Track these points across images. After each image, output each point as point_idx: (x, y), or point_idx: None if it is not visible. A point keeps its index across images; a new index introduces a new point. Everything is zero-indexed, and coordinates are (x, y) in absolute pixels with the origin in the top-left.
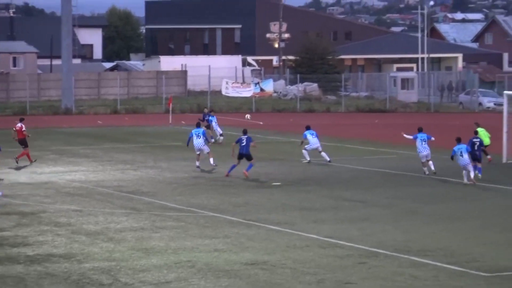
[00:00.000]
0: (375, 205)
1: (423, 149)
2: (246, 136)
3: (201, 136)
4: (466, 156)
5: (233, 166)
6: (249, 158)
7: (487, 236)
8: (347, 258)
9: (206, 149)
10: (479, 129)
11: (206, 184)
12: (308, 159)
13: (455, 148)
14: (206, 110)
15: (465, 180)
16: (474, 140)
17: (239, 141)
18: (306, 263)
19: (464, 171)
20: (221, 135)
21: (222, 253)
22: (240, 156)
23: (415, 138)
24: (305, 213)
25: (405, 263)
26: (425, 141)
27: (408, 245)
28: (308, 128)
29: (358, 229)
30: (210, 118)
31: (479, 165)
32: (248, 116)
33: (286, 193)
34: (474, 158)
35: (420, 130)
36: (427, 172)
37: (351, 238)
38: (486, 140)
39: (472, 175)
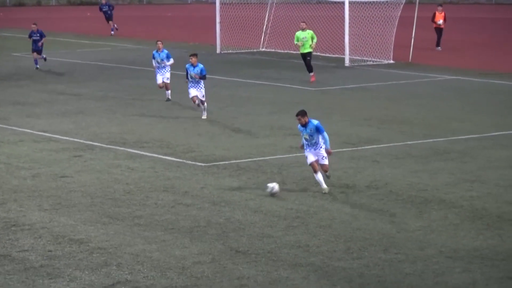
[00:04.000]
0: (90, 98)
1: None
2: None
3: None
4: None
5: None
6: None
7: (203, 127)
8: (62, 151)
9: None
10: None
11: None
12: None
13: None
14: None
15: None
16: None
17: None
18: (20, 158)
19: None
20: None
21: None
22: None
23: None
24: (18, 108)
25: (122, 155)
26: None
27: (124, 137)
28: None
29: (73, 123)
30: None
31: None
32: None
33: None
34: None
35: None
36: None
37: (66, 131)
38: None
39: None
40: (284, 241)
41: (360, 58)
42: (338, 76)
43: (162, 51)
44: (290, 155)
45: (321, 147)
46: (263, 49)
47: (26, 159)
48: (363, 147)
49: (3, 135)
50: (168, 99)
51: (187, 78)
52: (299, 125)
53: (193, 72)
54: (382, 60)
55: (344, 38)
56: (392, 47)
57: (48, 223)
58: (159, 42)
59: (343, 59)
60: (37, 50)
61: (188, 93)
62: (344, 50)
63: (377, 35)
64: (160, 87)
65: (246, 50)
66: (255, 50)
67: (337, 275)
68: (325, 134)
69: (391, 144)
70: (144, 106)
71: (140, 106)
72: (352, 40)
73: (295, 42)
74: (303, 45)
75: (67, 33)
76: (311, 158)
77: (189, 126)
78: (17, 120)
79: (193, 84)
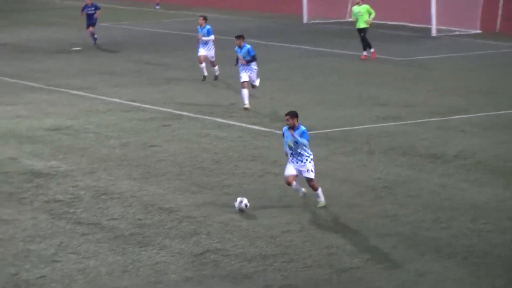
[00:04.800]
0: (177, 68)
1: None
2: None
3: None
4: None
5: None
6: None
7: (290, 96)
8: (151, 121)
9: None
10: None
11: (4, 51)
12: None
13: None
14: None
15: None
16: None
17: None
18: (109, 127)
19: None
20: None
21: (24, 119)
22: None
23: None
24: (106, 78)
25: (210, 124)
26: None
27: (212, 107)
28: None
29: (160, 92)
30: None
31: None
32: None
33: (86, 58)
34: None
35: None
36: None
37: (154, 101)
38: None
39: None
40: (372, 211)
41: (446, 28)
42: (425, 47)
43: (204, 27)
44: (378, 125)
45: (306, 160)
46: (350, 19)
47: (115, 128)
48: (450, 117)
49: (92, 104)
50: (216, 77)
51: (236, 62)
52: (284, 129)
53: (240, 54)
54: (469, 30)
55: (430, 7)
56: (479, 17)
57: (137, 192)
58: (200, 18)
59: (429, 29)
60: (92, 23)
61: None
62: (430, 20)
63: (464, 4)
64: (200, 61)
65: (333, 20)
66: (342, 20)
67: (426, 244)
68: (305, 141)
69: (478, 114)
70: (231, 76)
71: (228, 76)
72: (438, 10)
73: (352, 17)
74: (357, 20)
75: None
76: (289, 170)
77: (276, 95)
78: (105, 90)
79: (242, 67)
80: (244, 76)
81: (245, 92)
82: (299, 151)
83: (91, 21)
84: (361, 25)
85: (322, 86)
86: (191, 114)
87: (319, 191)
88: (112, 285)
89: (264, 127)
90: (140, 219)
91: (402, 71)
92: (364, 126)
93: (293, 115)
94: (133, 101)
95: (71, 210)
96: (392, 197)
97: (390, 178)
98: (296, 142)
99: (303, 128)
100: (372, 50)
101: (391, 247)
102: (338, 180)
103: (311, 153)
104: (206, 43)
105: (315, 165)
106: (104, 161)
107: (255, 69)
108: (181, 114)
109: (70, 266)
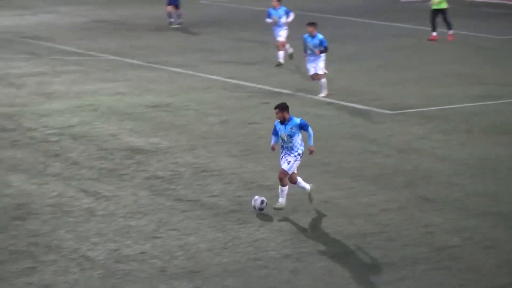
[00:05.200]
0: (274, 46)
1: None
2: None
3: None
4: None
5: None
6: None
7: (386, 75)
8: (250, 98)
9: None
10: None
11: (106, 28)
12: None
13: None
14: None
15: None
16: None
17: None
18: (209, 104)
19: None
20: None
21: (125, 96)
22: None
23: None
24: (206, 55)
25: (309, 102)
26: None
27: (310, 84)
28: None
29: (259, 70)
30: None
31: None
32: None
33: (186, 35)
34: None
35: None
36: None
37: (253, 78)
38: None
39: None
40: (471, 189)
41: None
42: None
43: (280, 8)
44: (477, 104)
45: (292, 154)
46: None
47: (214, 105)
48: None
49: (192, 81)
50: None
51: (305, 51)
52: (276, 122)
53: (311, 43)
54: None
55: None
56: None
57: (237, 169)
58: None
59: None
60: (175, 3)
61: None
62: None
63: None
64: (278, 46)
65: None
66: None
67: None
68: (310, 129)
69: None
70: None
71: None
72: None
73: None
74: (438, 2)
75: None
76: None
77: (374, 74)
78: (205, 67)
79: (310, 58)
80: (312, 69)
81: (323, 81)
82: (291, 145)
83: (172, 1)
84: (442, 5)
85: (419, 65)
86: (290, 92)
87: (285, 188)
88: (211, 261)
89: (363, 105)
90: (239, 196)
91: (503, 49)
92: (463, 105)
93: (283, 108)
94: (233, 78)
95: (171, 187)
96: (492, 176)
97: (490, 157)
98: (290, 136)
99: (297, 120)
100: (435, 33)
101: (491, 226)
102: (437, 159)
103: (302, 148)
104: (280, 25)
105: (413, 143)
106: (204, 138)
107: (324, 60)
108: (280, 92)
109: (170, 242)
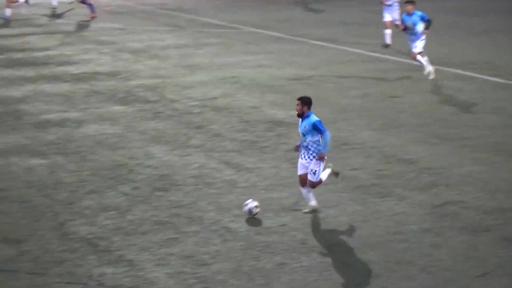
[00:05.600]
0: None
1: None
2: None
3: None
4: None
5: None
6: None
7: None
8: (391, 72)
9: None
10: None
11: (248, 0)
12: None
13: None
14: None
15: None
16: None
17: None
18: (350, 78)
19: None
20: None
21: (266, 68)
22: None
23: None
24: (347, 28)
25: (449, 76)
26: None
27: (451, 58)
28: None
29: (402, 44)
30: None
31: None
32: None
33: (328, 9)
34: None
35: None
36: None
37: (395, 52)
38: None
39: None
40: None
41: None
42: None
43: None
44: None
45: (314, 158)
46: None
47: (355, 79)
48: None
49: (332, 54)
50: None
51: (404, 29)
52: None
53: (407, 22)
54: None
55: None
56: None
57: (377, 143)
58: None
59: None
60: None
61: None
62: None
63: None
64: (386, 27)
65: None
66: None
67: None
68: (327, 135)
69: None
70: (469, 27)
71: (466, 26)
72: None
73: None
74: None
75: None
76: (299, 171)
77: None
78: (346, 40)
79: (410, 37)
80: (415, 47)
81: (421, 59)
82: (305, 144)
83: None
84: None
85: None
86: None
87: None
88: (351, 235)
89: (505, 79)
90: (380, 170)
91: None
92: None
93: (304, 101)
94: (374, 52)
95: None
96: None
97: None
98: (303, 134)
99: (313, 118)
100: None
101: None
102: None
103: (321, 149)
104: (390, 4)
105: None
106: (345, 111)
107: (423, 40)
108: (420, 66)
109: (310, 214)
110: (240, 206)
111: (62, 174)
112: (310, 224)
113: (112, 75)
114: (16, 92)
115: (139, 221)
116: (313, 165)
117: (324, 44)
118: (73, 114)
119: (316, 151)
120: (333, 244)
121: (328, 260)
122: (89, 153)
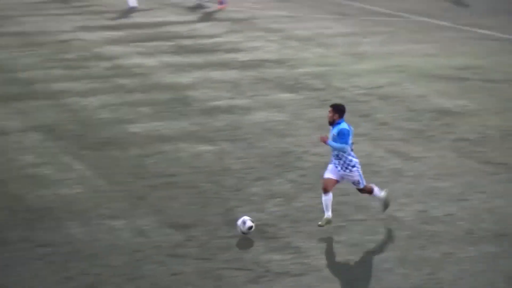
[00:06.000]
0: None
1: None
2: None
3: None
4: None
5: None
6: None
7: None
8: None
9: None
10: None
11: None
12: None
13: None
14: None
15: None
16: None
17: None
18: None
19: None
20: None
21: (433, 57)
22: None
23: None
24: None
25: None
26: None
27: None
28: None
29: None
30: None
31: None
32: None
33: None
34: None
35: None
36: None
37: None
38: None
39: None
40: None
41: None
42: None
43: None
44: None
45: (353, 167)
46: None
47: None
48: None
49: (502, 44)
50: None
51: None
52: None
53: None
54: None
55: None
56: None
57: None
58: None
59: None
60: None
61: None
62: None
63: None
64: None
65: None
66: None
67: None
68: (344, 146)
69: None
70: None
71: None
72: None
73: None
74: None
75: None
76: (327, 173)
77: None
78: None
79: None
80: None
81: None
82: (336, 153)
83: None
84: None
85: None
86: None
87: (375, 191)
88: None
89: None
90: None
91: None
92: None
93: (336, 109)
94: None
95: (479, 149)
96: None
97: None
98: (333, 141)
99: (341, 126)
100: None
101: None
102: None
103: (352, 159)
104: None
105: None
106: None
107: None
108: None
109: (477, 205)
110: (408, 195)
111: (230, 160)
112: (477, 214)
113: (280, 62)
114: (184, 78)
115: (306, 209)
116: (351, 177)
117: (492, 33)
118: (240, 101)
119: (349, 160)
120: (500, 235)
121: (496, 250)
122: (257, 140)
